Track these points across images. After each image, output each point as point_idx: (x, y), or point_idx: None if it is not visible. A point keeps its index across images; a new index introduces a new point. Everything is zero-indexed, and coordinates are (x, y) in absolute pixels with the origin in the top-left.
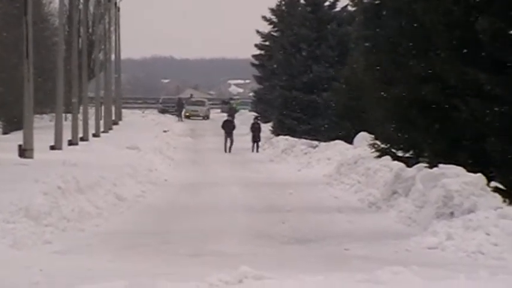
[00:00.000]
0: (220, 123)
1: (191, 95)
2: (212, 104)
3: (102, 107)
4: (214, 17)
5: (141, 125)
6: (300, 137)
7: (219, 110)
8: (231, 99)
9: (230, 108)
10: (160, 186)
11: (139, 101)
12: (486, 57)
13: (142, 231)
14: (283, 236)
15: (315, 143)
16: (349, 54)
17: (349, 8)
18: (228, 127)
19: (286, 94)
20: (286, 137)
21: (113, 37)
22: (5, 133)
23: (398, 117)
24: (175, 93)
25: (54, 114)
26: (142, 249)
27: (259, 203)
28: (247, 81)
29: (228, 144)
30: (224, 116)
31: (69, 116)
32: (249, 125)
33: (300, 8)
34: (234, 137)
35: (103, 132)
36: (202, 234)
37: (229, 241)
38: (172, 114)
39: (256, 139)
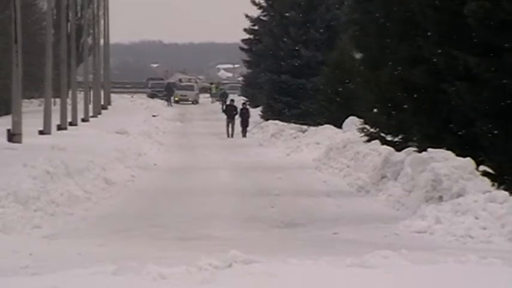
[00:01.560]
0: (218, 107)
1: (180, 79)
2: (209, 89)
3: (91, 92)
4: (203, 1)
5: (130, 110)
6: (289, 122)
7: (208, 95)
8: (211, 83)
9: (222, 94)
10: (149, 170)
11: (128, 86)
12: (475, 40)
13: (131, 215)
14: (272, 220)
15: (304, 127)
16: (338, 38)
17: None
18: (231, 112)
19: (274, 78)
20: (276, 121)
21: (102, 21)
22: None
23: (387, 101)
24: (164, 78)
25: (42, 99)
26: (132, 233)
27: (249, 187)
28: (236, 65)
29: (230, 129)
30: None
31: (58, 100)
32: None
33: None
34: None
35: (92, 116)
36: (191, 218)
37: (218, 225)
38: (162, 99)
39: (244, 124)
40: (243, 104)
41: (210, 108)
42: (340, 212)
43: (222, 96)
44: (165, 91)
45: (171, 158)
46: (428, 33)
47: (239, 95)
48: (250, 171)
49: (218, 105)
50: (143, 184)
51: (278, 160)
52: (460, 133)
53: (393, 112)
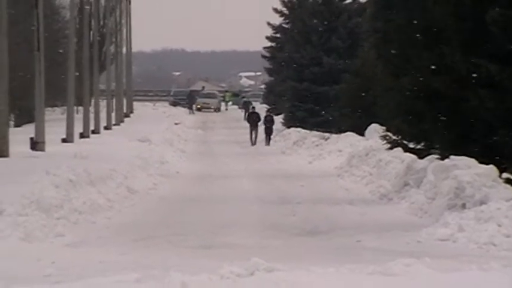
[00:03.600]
0: (240, 115)
1: (203, 87)
2: (223, 97)
3: (113, 100)
4: (226, 9)
5: (152, 118)
6: (311, 129)
7: (230, 103)
8: (226, 91)
9: (245, 102)
10: (171, 178)
11: (151, 94)
12: (497, 48)
13: (153, 223)
14: (294, 227)
15: (327, 135)
16: (360, 45)
17: (360, 0)
18: (253, 120)
19: (296, 86)
20: (298, 129)
21: (124, 30)
22: (17, 126)
23: (409, 108)
24: (186, 86)
25: (65, 107)
26: (154, 242)
27: (271, 195)
28: (258, 73)
29: (253, 137)
30: (235, 109)
31: (81, 108)
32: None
33: (311, 0)
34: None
35: (114, 124)
36: (213, 226)
37: (240, 233)
38: (184, 107)
39: (268, 132)
40: (267, 111)
41: (232, 115)
42: (362, 219)
43: (245, 105)
44: (187, 99)
45: (193, 166)
46: (451, 41)
47: (261, 103)
48: (272, 179)
49: (240, 113)
50: (165, 192)
51: (300, 168)
52: (482, 141)
53: (414, 120)
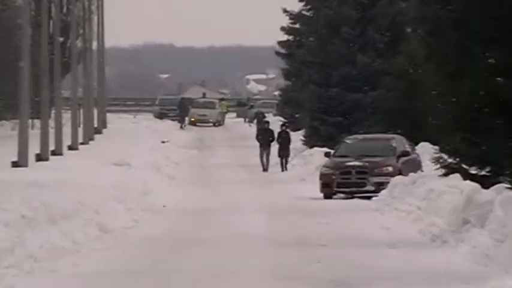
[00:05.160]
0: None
1: (204, 94)
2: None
3: (81, 111)
4: None
5: (132, 134)
6: None
7: (234, 115)
8: (221, 99)
9: (257, 113)
10: (157, 214)
11: (130, 103)
12: None
13: (134, 271)
14: (318, 279)
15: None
16: (404, 39)
17: None
18: (266, 138)
19: (321, 92)
20: (323, 149)
21: (95, 18)
22: None
23: (469, 121)
24: (176, 92)
25: (17, 121)
26: None
27: (286, 235)
28: (271, 76)
29: (265, 160)
30: (241, 122)
31: (38, 122)
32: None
33: None
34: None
35: (82, 143)
36: (211, 276)
37: (246, 286)
38: (173, 120)
39: (284, 153)
40: (282, 126)
41: (236, 131)
42: (407, 269)
43: (257, 117)
44: (178, 110)
45: (186, 198)
46: None
47: (274, 115)
48: (289, 215)
49: (247, 129)
50: (149, 231)
51: (325, 200)
52: None
53: (477, 136)
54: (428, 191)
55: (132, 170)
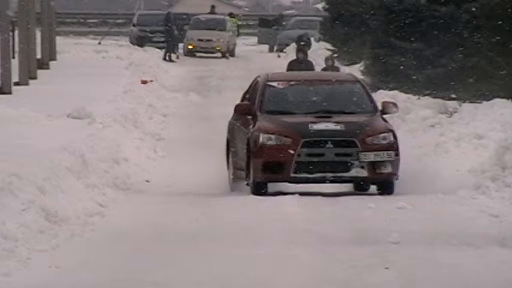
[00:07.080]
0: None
1: (213, 6)
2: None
3: (15, 35)
4: None
5: (96, 70)
6: (420, 93)
7: (254, 39)
8: (231, 14)
9: (300, 37)
10: (134, 193)
11: (93, 21)
12: None
13: (96, 283)
14: None
15: (451, 104)
16: None
17: None
18: None
19: (389, 3)
20: (392, 91)
21: None
22: None
23: None
24: (163, 6)
25: None
26: None
27: (341, 228)
28: None
29: None
30: (264, 51)
31: None
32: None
33: None
34: None
35: (17, 84)
36: None
37: None
38: (160, 48)
39: None
40: (327, 59)
41: (257, 65)
42: None
43: (299, 42)
44: (166, 32)
45: (179, 169)
46: None
47: (318, 40)
48: (342, 195)
49: (275, 61)
50: (122, 221)
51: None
52: None
53: None
54: None
55: (95, 124)
